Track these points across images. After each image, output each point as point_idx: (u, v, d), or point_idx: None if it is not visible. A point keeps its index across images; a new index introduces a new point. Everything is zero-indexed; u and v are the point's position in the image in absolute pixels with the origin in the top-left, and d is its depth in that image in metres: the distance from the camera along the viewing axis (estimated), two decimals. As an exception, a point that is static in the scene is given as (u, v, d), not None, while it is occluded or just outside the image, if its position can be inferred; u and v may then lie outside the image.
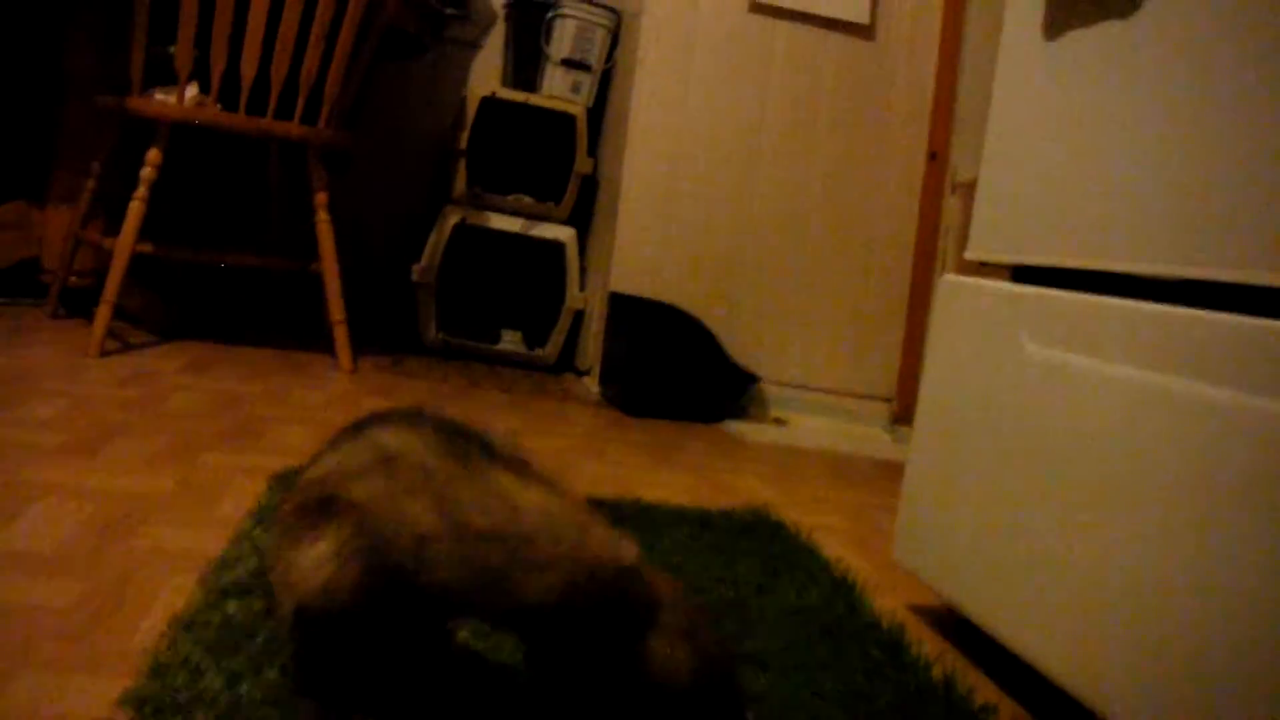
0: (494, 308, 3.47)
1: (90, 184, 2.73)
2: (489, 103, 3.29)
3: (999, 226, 1.50)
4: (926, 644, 1.41)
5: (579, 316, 3.38)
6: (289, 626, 1.00)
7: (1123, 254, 1.23)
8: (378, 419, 1.03)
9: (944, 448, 1.49)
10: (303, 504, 1.00)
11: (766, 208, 3.16)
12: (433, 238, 3.26)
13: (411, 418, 1.02)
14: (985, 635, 1.48)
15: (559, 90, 3.38)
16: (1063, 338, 1.26)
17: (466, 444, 1.00)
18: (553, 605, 0.94)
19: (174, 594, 1.23)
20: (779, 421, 3.12)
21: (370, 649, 1.00)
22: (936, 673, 1.31)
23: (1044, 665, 1.20)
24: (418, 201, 3.70)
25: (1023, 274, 1.44)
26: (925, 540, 1.50)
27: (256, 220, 3.20)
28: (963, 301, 1.50)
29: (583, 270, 3.39)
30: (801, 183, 3.18)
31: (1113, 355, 1.17)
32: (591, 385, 3.16)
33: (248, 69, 2.55)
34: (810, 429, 3.10)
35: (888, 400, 3.25)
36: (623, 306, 3.03)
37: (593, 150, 3.41)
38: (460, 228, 3.26)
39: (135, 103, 2.52)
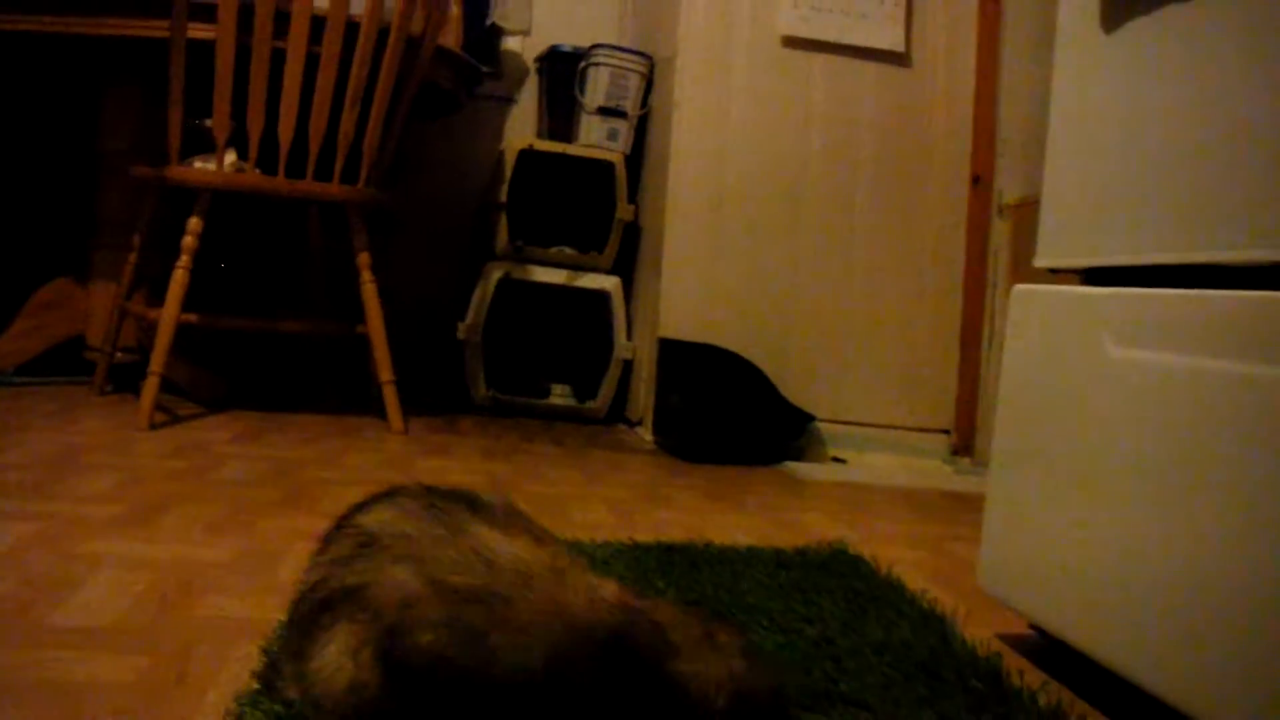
0: (542, 362, 3.43)
1: (132, 257, 2.72)
2: (527, 155, 3.27)
3: (1068, 230, 1.44)
4: (1025, 673, 1.34)
5: (628, 366, 3.33)
6: None
7: (1205, 243, 1.16)
8: (355, 509, 1.00)
9: (1025, 466, 1.42)
10: (304, 614, 0.96)
11: (812, 242, 3.11)
12: (477, 294, 3.23)
13: (388, 495, 0.99)
14: (1083, 661, 1.40)
15: (596, 139, 3.36)
16: (1150, 337, 1.19)
17: (449, 506, 0.97)
18: (538, 670, 0.89)
19: (238, 665, 1.18)
20: (838, 460, 3.05)
21: None
22: (1043, 702, 1.23)
23: (1149, 683, 1.12)
24: (460, 258, 3.68)
25: (1096, 277, 1.38)
26: (1012, 564, 1.43)
27: (301, 286, 3.18)
28: (1037, 310, 1.44)
29: (629, 319, 3.34)
30: (846, 215, 3.13)
31: (1208, 349, 1.10)
32: (645, 435, 3.10)
33: (285, 132, 2.54)
34: (870, 465, 3.02)
35: (946, 432, 3.17)
36: (673, 352, 2.98)
37: (633, 197, 3.37)
38: (504, 283, 3.23)
39: (175, 172, 2.51)
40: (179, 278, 2.49)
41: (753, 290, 3.10)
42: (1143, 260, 1.27)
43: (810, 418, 3.03)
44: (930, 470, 3.03)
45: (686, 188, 3.07)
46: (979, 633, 1.50)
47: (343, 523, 0.99)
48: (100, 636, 1.24)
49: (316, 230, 3.09)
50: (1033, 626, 1.53)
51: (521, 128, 3.74)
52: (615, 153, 3.32)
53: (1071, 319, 1.36)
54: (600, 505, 2.12)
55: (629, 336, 3.31)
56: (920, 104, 3.14)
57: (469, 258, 3.62)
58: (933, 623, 1.47)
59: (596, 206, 3.32)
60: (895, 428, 3.16)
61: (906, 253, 3.15)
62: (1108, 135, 1.37)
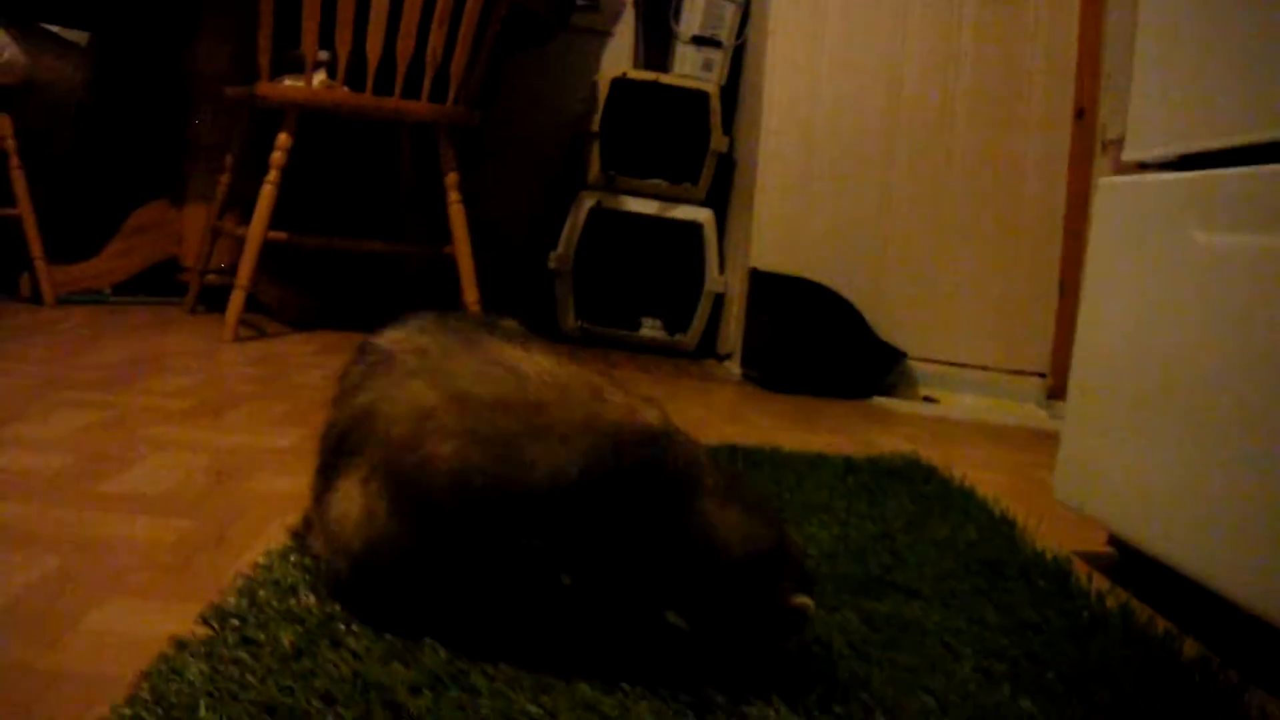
0: (632, 293, 3.40)
1: (225, 178, 2.74)
2: (620, 84, 3.23)
3: (1157, 119, 1.36)
4: (1096, 580, 1.27)
5: (719, 300, 3.29)
6: (340, 582, 0.94)
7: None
8: (374, 334, 0.97)
9: (1108, 368, 1.35)
10: (326, 452, 0.94)
11: (907, 178, 3.03)
12: (568, 224, 3.21)
13: (406, 318, 0.96)
14: (1158, 578, 1.33)
15: (691, 69, 3.31)
16: (1238, 218, 1.12)
17: (466, 325, 0.93)
18: (573, 482, 0.85)
19: (279, 530, 1.17)
20: (929, 399, 2.97)
21: (430, 578, 0.92)
22: (1111, 603, 1.17)
23: (1230, 591, 1.06)
24: (553, 188, 3.66)
25: (1183, 167, 1.30)
26: (1091, 472, 1.37)
27: (393, 212, 3.19)
28: (1123, 202, 1.36)
29: (721, 253, 3.29)
30: (942, 150, 3.03)
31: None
32: (733, 368, 3.06)
33: (373, 50, 2.53)
34: (962, 406, 2.94)
35: (1042, 375, 3.07)
36: (764, 284, 2.92)
37: (728, 128, 3.31)
38: (595, 212, 3.20)
39: (264, 88, 2.52)
40: (267, 193, 2.51)
41: (845, 225, 3.02)
42: (1231, 142, 1.20)
43: (901, 354, 2.96)
44: (1024, 413, 2.94)
45: (780, 120, 3.01)
46: (1052, 544, 1.44)
47: (359, 350, 0.97)
48: (148, 503, 1.24)
49: (408, 156, 3.09)
50: (1111, 542, 1.47)
51: (619, 61, 3.70)
52: (710, 83, 3.27)
53: (1157, 208, 1.29)
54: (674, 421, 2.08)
55: (721, 270, 3.26)
56: (1022, 34, 3.02)
57: (562, 188, 3.59)
58: (1001, 528, 1.42)
59: (690, 137, 3.26)
60: (989, 369, 3.07)
61: (1005, 190, 3.05)
62: (1194, 17, 1.29)
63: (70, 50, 3.09)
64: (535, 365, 0.89)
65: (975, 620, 1.08)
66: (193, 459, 1.44)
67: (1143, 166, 1.40)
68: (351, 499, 0.89)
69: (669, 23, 3.33)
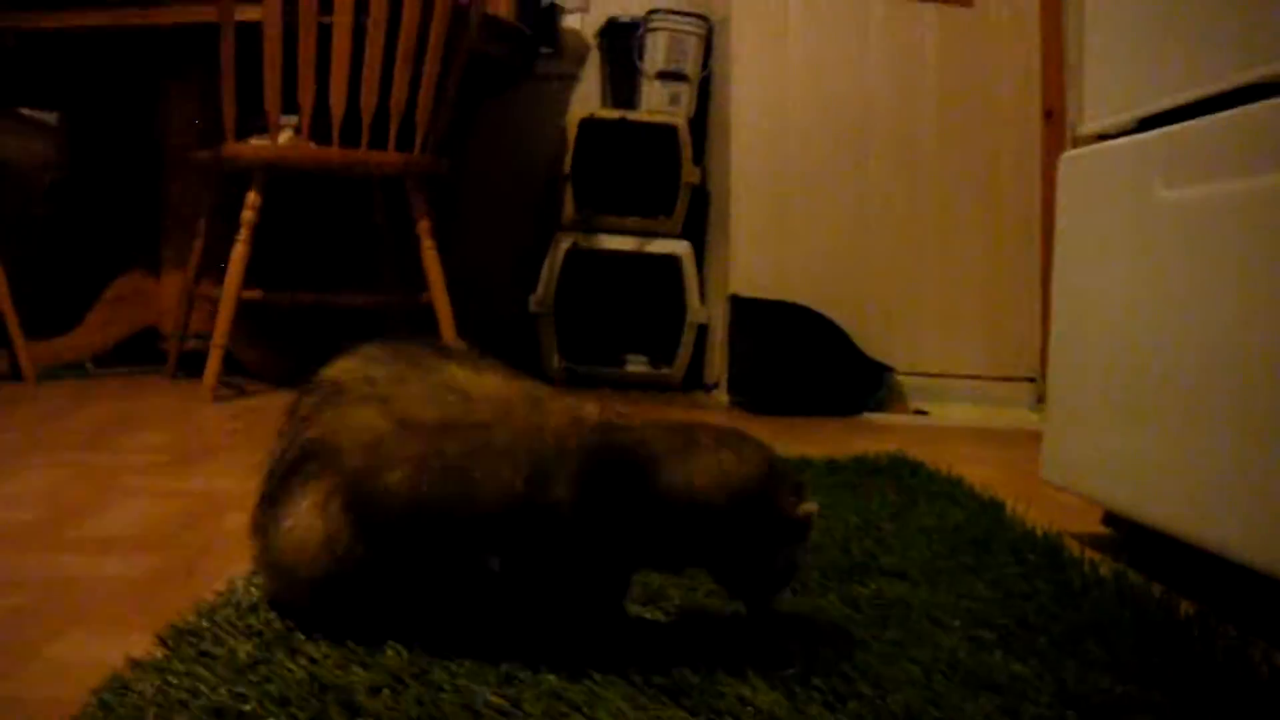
0: (615, 330, 3.38)
1: (198, 243, 2.73)
2: (588, 124, 3.23)
3: (1111, 88, 1.35)
4: (1089, 553, 1.24)
5: (703, 331, 3.27)
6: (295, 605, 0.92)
7: (1247, 62, 1.07)
8: (323, 367, 0.95)
9: (1087, 340, 1.34)
10: (274, 482, 0.93)
11: (881, 192, 3.02)
12: (546, 265, 3.20)
13: (352, 348, 0.95)
14: (1155, 553, 1.30)
15: (658, 104, 3.31)
16: (1200, 168, 1.11)
17: (416, 350, 0.93)
18: (520, 494, 0.85)
19: (250, 564, 1.14)
20: (920, 413, 2.95)
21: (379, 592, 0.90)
22: (1105, 571, 1.14)
23: (1230, 548, 1.03)
24: (528, 232, 3.65)
25: (1144, 129, 1.29)
26: (1078, 446, 1.35)
27: (368, 265, 3.18)
28: (1085, 172, 1.36)
29: (702, 284, 3.28)
30: (914, 161, 3.03)
31: (1262, 166, 1.01)
32: (721, 397, 3.03)
33: (336, 103, 2.53)
34: (953, 415, 2.91)
35: (1031, 380, 3.05)
36: (744, 310, 2.91)
37: (699, 160, 3.31)
38: (573, 253, 3.19)
39: (230, 149, 2.52)
40: (239, 252, 2.50)
41: (823, 245, 3.02)
42: (1184, 98, 1.19)
43: (888, 369, 2.94)
44: (1016, 419, 2.91)
45: (749, 145, 3.01)
46: (1043, 524, 1.41)
47: (307, 384, 0.95)
48: (118, 544, 1.23)
49: (381, 207, 3.08)
50: (1106, 522, 1.44)
51: (588, 102, 3.70)
52: (678, 116, 3.27)
53: (1119, 172, 1.28)
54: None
55: (702, 301, 3.25)
56: (985, 40, 3.03)
57: (538, 233, 3.58)
58: (990, 510, 1.39)
59: (662, 171, 3.26)
60: (978, 377, 3.05)
61: (979, 195, 3.04)
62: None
63: (35, 129, 3.10)
64: (481, 386, 0.89)
65: (963, 595, 1.05)
66: (165, 504, 1.42)
67: (1101, 139, 1.39)
68: (311, 525, 0.87)
69: (634, 60, 3.33)
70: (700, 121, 3.38)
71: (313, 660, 0.82)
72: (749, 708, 0.77)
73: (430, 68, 2.63)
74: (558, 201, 3.29)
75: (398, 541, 0.86)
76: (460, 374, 0.89)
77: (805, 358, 2.84)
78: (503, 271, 3.65)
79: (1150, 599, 1.05)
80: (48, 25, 2.70)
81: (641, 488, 0.86)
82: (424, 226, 2.67)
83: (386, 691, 0.77)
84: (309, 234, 3.20)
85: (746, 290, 2.95)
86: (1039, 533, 1.28)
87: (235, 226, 2.53)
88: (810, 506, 0.88)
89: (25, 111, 3.16)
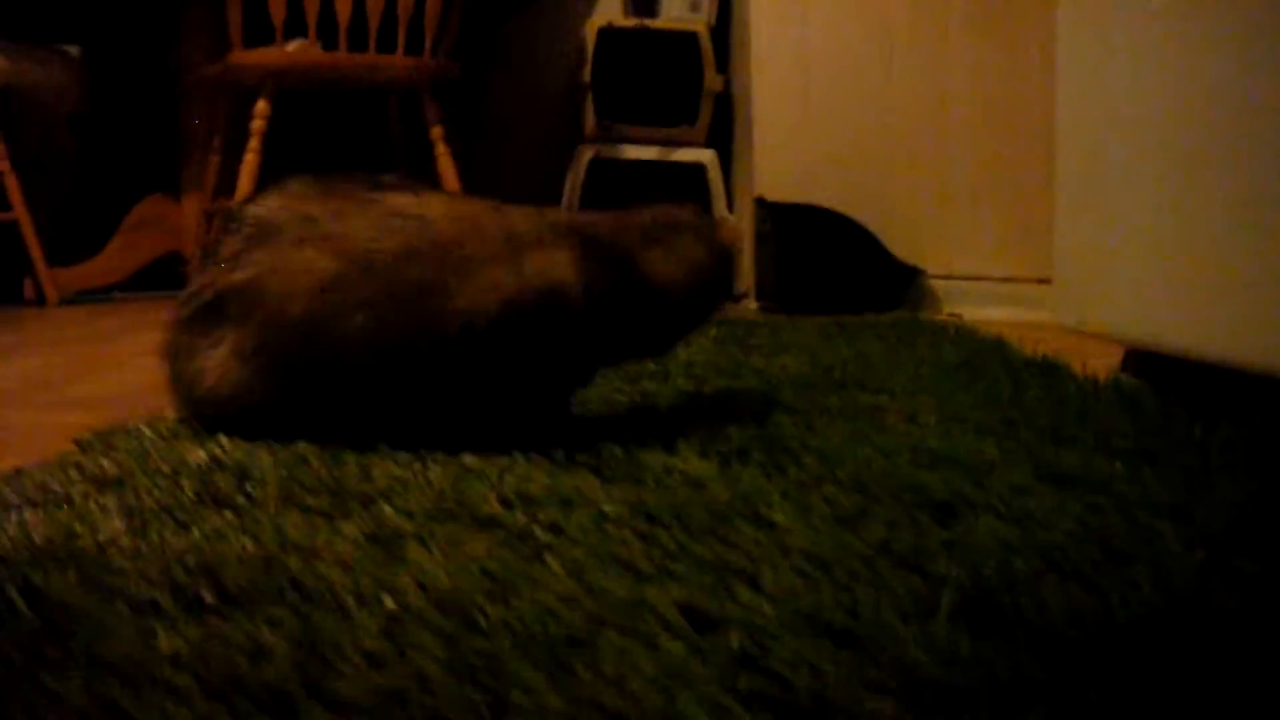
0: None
1: (214, 160, 2.71)
2: (607, 33, 3.16)
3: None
4: (1089, 368, 1.16)
5: (731, 242, 3.19)
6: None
7: None
8: (246, 202, 0.90)
9: (1095, 157, 1.25)
10: (190, 315, 0.87)
11: (906, 88, 2.92)
12: (569, 178, 3.15)
13: (283, 183, 0.88)
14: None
15: (679, 11, 3.23)
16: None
17: (350, 185, 0.86)
18: (527, 295, 0.81)
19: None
20: (954, 316, 2.85)
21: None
22: (1105, 382, 1.07)
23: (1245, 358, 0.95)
24: (554, 146, 3.59)
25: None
26: (1091, 278, 1.26)
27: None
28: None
29: (729, 193, 3.21)
30: (940, 55, 2.92)
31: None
32: (750, 304, 2.96)
33: (342, 5, 2.49)
34: (988, 319, 2.82)
35: (1077, 277, 2.94)
36: (770, 213, 2.83)
37: (723, 68, 3.23)
38: (595, 163, 3.13)
39: (236, 57, 2.49)
40: (250, 161, 2.47)
41: (848, 145, 2.92)
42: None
43: (918, 271, 2.85)
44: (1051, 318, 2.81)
45: (771, 47, 2.92)
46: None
47: (228, 218, 0.90)
48: (89, 402, 1.21)
49: (396, 119, 3.04)
50: (1125, 368, 1.36)
51: (611, 12, 3.63)
52: (699, 23, 3.19)
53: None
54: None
55: (730, 210, 3.18)
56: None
57: (564, 147, 3.53)
58: (990, 346, 1.32)
59: (684, 80, 3.18)
60: (1013, 280, 2.94)
61: (1010, 87, 2.93)
62: None
63: (53, 56, 3.08)
64: (432, 207, 0.84)
65: (945, 401, 0.99)
66: (144, 375, 1.39)
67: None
68: (227, 372, 0.83)
69: (653, -33, 3.26)
70: (723, 31, 3.30)
71: (222, 448, 0.77)
72: (675, 475, 0.72)
73: (436, -32, 2.57)
74: (579, 112, 3.22)
75: (344, 389, 0.81)
76: (403, 201, 0.83)
77: (833, 261, 2.77)
78: (529, 186, 3.59)
79: (1152, 401, 0.97)
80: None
81: (632, 274, 0.85)
82: (437, 132, 2.62)
83: (283, 470, 0.72)
84: (326, 151, 3.17)
85: (772, 196, 2.87)
86: (1040, 357, 1.21)
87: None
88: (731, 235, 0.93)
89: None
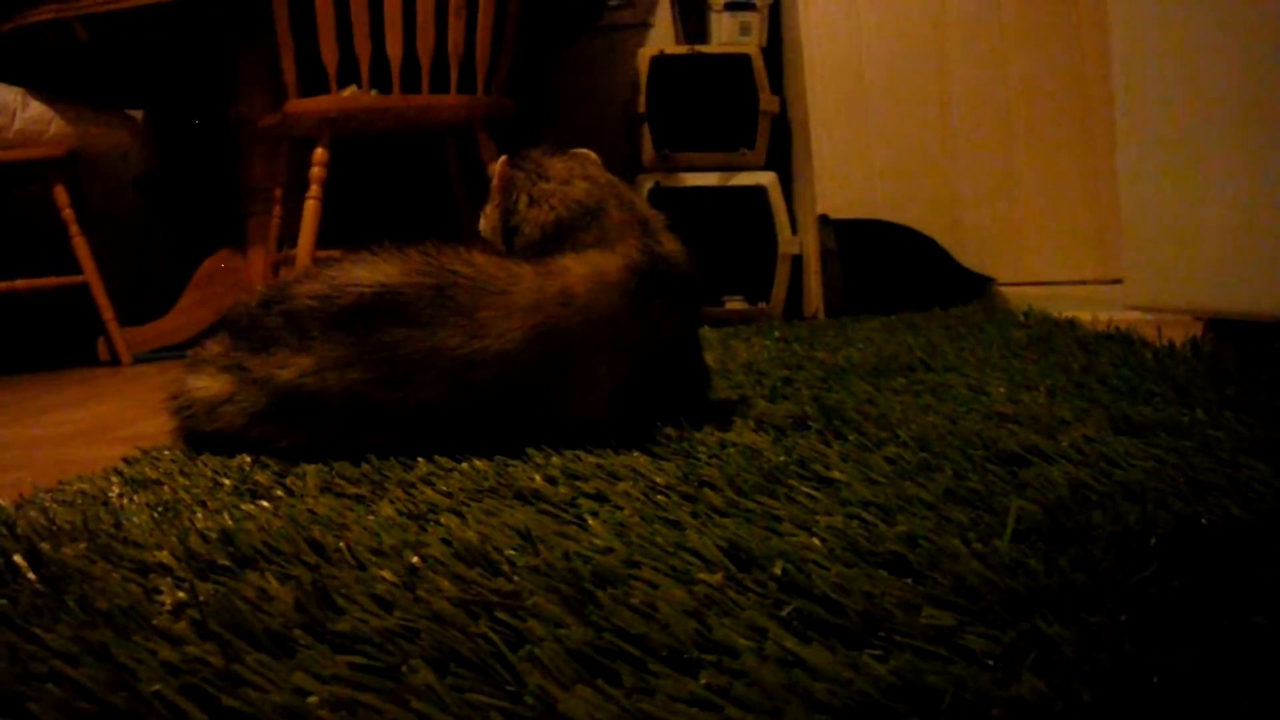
0: (708, 269, 3.28)
1: (276, 210, 2.73)
2: (659, 61, 3.15)
3: None
4: (1165, 337, 1.11)
5: (797, 263, 3.15)
6: None
7: None
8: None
9: (1155, 144, 1.20)
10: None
11: (965, 98, 2.87)
12: (629, 210, 3.12)
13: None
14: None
15: (729, 36, 3.21)
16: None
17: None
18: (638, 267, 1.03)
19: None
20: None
21: None
22: (1183, 347, 1.01)
23: None
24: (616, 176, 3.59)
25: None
26: (1160, 256, 1.21)
27: (446, 221, 3.15)
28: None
29: (791, 215, 3.16)
30: (999, 60, 2.87)
31: None
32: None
33: (393, 49, 2.50)
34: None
35: (1155, 276, 2.86)
36: (835, 230, 2.79)
37: (776, 89, 3.20)
38: (655, 193, 3.11)
39: (292, 105, 2.50)
40: (310, 208, 2.48)
41: (910, 160, 2.88)
42: None
43: (987, 279, 2.78)
44: (1126, 322, 2.73)
45: (824, 65, 2.90)
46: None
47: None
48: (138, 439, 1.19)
49: (454, 160, 3.05)
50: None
51: (661, 41, 3.63)
52: (750, 45, 3.16)
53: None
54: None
55: (794, 232, 3.13)
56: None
57: (623, 177, 3.52)
58: (1061, 325, 1.27)
59: (739, 103, 3.16)
60: (1085, 282, 2.87)
61: (1072, 90, 2.87)
62: None
63: (118, 120, 3.13)
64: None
65: (1016, 373, 0.94)
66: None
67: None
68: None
69: (701, -5, 3.25)
70: (774, 50, 3.27)
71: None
72: (729, 448, 0.68)
73: (485, 6, 2.58)
74: (636, 144, 3.21)
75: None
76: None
77: (901, 274, 2.72)
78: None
79: (1233, 359, 0.92)
80: (112, 7, 2.72)
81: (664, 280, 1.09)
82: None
83: (325, 467, 0.69)
84: (385, 195, 3.19)
85: (835, 213, 2.83)
86: (1113, 331, 1.15)
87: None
88: None
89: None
